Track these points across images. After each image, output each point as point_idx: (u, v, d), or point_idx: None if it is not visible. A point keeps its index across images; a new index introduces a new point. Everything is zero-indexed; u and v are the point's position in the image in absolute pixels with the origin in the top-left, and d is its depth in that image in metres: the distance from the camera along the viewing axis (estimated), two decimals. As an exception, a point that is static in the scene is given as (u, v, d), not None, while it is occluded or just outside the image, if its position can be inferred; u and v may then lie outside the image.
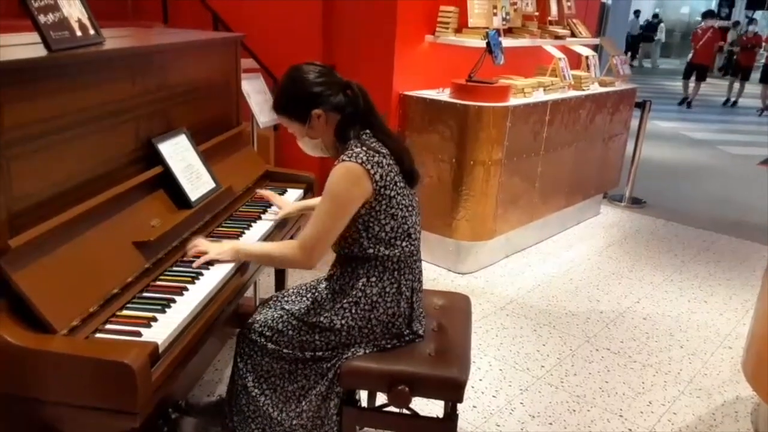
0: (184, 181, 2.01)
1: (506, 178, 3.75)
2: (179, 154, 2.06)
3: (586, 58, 4.78)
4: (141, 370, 1.29)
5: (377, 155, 1.71)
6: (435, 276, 3.75)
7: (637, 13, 19.64)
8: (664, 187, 6.06)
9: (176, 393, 2.13)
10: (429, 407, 2.39)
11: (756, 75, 12.32)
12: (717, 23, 12.42)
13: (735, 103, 12.10)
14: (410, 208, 1.80)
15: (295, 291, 1.92)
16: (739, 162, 7.54)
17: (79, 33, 1.73)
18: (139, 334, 1.45)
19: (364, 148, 1.71)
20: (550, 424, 2.49)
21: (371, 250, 1.76)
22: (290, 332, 1.79)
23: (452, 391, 1.74)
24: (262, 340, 1.81)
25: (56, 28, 1.63)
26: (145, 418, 1.35)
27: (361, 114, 1.79)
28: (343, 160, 1.69)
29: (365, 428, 2.02)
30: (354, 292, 1.78)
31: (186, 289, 1.67)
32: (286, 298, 1.91)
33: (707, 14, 12.11)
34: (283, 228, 2.27)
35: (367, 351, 1.79)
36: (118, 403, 1.31)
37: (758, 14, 17.05)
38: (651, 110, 5.27)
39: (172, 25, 4.81)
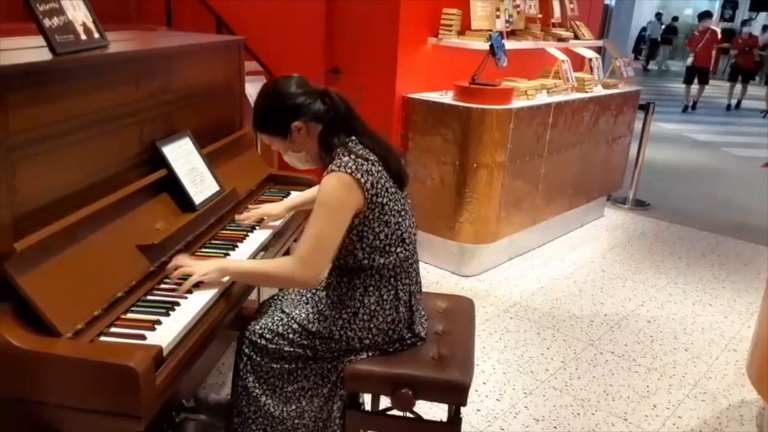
0: (188, 184, 2.02)
1: (509, 180, 3.74)
2: (183, 157, 2.06)
3: (590, 60, 4.78)
4: (145, 374, 1.29)
5: (366, 162, 1.67)
6: (438, 279, 3.75)
7: (658, 15, 19.43)
8: (667, 190, 6.05)
9: (180, 396, 2.13)
10: (433, 411, 2.38)
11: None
12: (719, 25, 12.33)
13: (738, 105, 12.04)
14: (403, 213, 1.77)
15: (296, 292, 1.92)
16: (744, 164, 7.53)
17: (83, 36, 1.73)
18: (143, 338, 1.45)
19: (352, 156, 1.67)
20: (555, 427, 2.48)
21: (366, 261, 1.74)
22: (291, 336, 1.79)
23: (456, 394, 1.74)
24: (263, 341, 1.81)
25: (61, 31, 1.63)
26: (149, 421, 1.35)
27: (343, 120, 1.74)
28: (332, 170, 1.65)
29: (368, 431, 2.02)
30: (352, 303, 1.76)
31: (190, 292, 1.67)
32: (286, 301, 1.91)
33: (704, 15, 11.87)
34: (281, 237, 2.23)
35: (370, 354, 1.79)
36: (123, 407, 1.31)
37: (762, 16, 16.97)
38: (654, 112, 5.27)
39: (175, 27, 4.82)
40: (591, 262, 4.17)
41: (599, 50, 5.22)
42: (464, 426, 2.28)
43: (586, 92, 4.33)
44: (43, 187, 1.52)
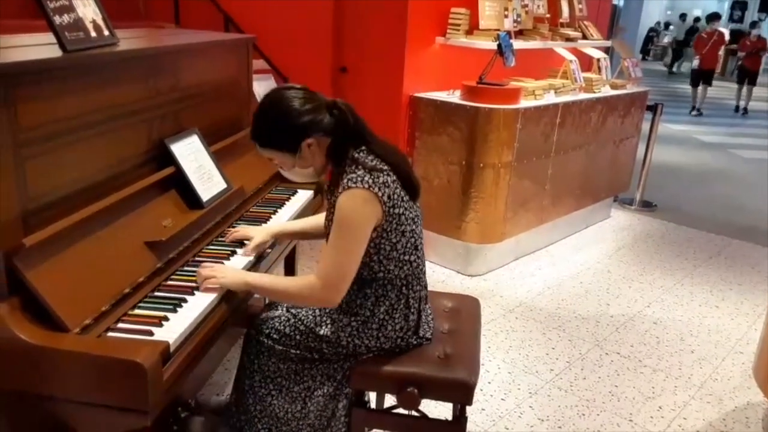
0: (196, 182, 2.02)
1: (516, 180, 3.74)
2: (191, 155, 2.07)
3: (598, 60, 4.76)
4: (152, 369, 1.30)
5: (381, 174, 1.64)
6: (444, 278, 3.75)
7: (683, 17, 19.20)
8: (675, 191, 6.02)
9: (186, 392, 2.14)
10: (438, 409, 2.39)
11: (763, 78, 12.13)
12: (728, 27, 12.22)
13: (746, 109, 11.96)
14: (416, 219, 1.77)
15: None
16: (752, 166, 7.49)
17: (93, 34, 1.74)
18: (150, 333, 1.46)
19: (366, 170, 1.63)
20: (559, 428, 2.48)
21: (381, 273, 1.73)
22: (297, 337, 1.79)
23: (461, 393, 1.74)
24: (270, 342, 1.81)
25: (71, 28, 1.64)
26: (156, 416, 1.36)
27: (352, 132, 1.69)
28: (349, 187, 1.61)
29: (374, 430, 2.02)
30: (362, 312, 1.76)
31: (198, 288, 1.68)
32: None
33: (712, 17, 11.72)
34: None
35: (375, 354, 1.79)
36: (130, 402, 1.32)
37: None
38: (663, 113, 5.25)
39: (184, 25, 4.84)
40: (597, 263, 4.16)
41: (607, 50, 5.21)
42: (469, 425, 2.28)
43: (594, 92, 4.32)
44: (52, 184, 1.53)
